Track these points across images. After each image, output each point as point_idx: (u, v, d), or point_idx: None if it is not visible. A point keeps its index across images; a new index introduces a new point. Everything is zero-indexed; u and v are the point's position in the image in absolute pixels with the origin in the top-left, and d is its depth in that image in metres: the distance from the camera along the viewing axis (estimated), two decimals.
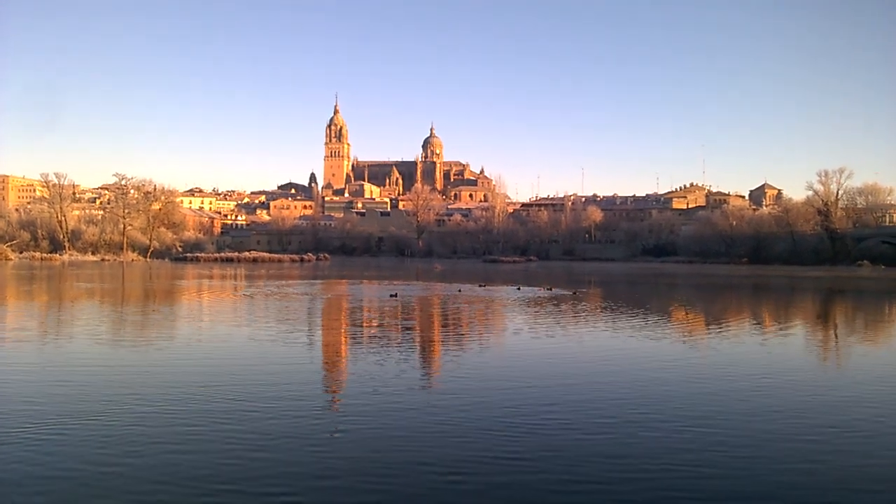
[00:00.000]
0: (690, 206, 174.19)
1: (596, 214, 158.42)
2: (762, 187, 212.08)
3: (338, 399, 12.94)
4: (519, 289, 44.87)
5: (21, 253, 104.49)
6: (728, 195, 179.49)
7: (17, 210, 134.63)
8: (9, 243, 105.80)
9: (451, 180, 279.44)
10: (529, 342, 20.79)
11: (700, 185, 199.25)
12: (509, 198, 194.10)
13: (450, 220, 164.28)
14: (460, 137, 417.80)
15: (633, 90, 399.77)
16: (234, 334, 21.80)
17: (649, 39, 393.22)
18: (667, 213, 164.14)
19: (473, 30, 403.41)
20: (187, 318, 27.47)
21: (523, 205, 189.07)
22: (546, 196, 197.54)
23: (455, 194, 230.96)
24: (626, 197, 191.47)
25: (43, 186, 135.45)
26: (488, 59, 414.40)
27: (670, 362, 17.26)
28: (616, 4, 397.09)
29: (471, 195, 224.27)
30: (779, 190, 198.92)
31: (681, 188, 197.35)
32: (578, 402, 12.45)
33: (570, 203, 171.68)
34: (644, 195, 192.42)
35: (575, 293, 42.07)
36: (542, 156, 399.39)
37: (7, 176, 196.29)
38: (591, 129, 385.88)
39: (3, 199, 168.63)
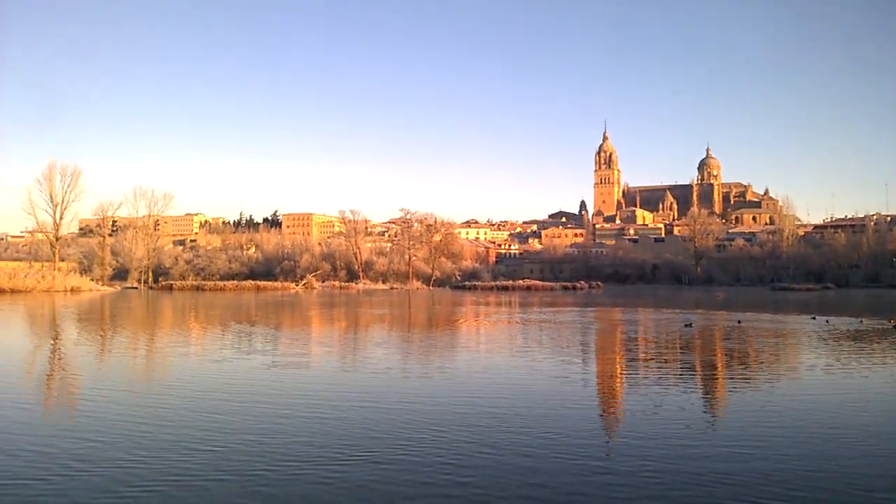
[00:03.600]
0: None
1: None
2: None
3: (614, 434, 12.40)
4: (827, 321, 38.01)
5: (323, 282, 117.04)
6: None
7: (319, 244, 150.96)
8: (314, 273, 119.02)
9: (731, 203, 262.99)
10: (837, 380, 18.41)
11: None
12: (799, 220, 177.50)
13: (731, 244, 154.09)
14: (739, 157, 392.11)
15: None
16: (510, 364, 22.09)
17: None
18: None
19: (742, 41, 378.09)
20: (466, 346, 28.48)
21: (816, 227, 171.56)
22: (843, 217, 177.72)
23: (736, 217, 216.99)
24: None
25: (341, 222, 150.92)
26: (764, 70, 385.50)
27: None
28: None
29: (754, 218, 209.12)
30: None
31: None
32: None
33: (872, 223, 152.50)
34: None
35: None
36: (836, 172, 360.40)
37: (311, 214, 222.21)
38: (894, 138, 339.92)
39: (308, 234, 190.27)
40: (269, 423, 12.42)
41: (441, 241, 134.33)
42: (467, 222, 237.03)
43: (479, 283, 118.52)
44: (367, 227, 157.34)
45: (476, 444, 11.00)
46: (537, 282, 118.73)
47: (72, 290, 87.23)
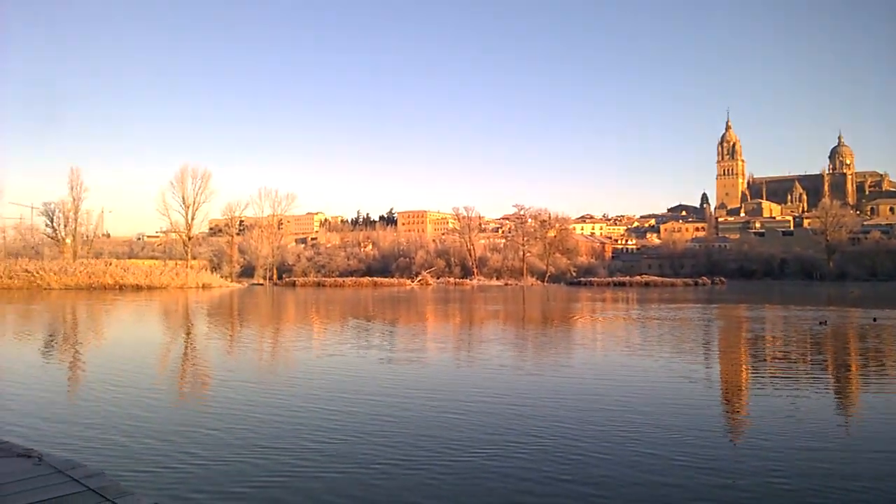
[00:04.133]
0: None
1: None
2: None
3: (740, 436, 11.73)
4: None
5: (438, 278, 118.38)
6: None
7: (434, 241, 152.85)
8: (428, 270, 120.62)
9: (866, 193, 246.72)
10: None
11: None
12: None
13: (866, 237, 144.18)
14: (874, 145, 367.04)
15: None
16: (628, 362, 21.41)
17: None
18: None
19: (875, 20, 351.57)
20: (582, 343, 27.93)
21: None
22: None
23: (871, 209, 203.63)
24: None
25: (454, 219, 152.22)
26: None
27: None
28: None
29: (892, 209, 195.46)
30: None
31: None
32: None
33: None
34: None
35: None
36: None
37: (425, 211, 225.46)
38: None
39: (423, 231, 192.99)
40: (388, 418, 12.54)
41: (555, 236, 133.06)
42: (582, 217, 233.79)
43: (595, 279, 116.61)
44: (480, 224, 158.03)
45: (596, 442, 10.69)
46: (656, 277, 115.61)
47: (203, 286, 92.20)
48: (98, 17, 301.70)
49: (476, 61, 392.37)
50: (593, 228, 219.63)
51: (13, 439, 7.56)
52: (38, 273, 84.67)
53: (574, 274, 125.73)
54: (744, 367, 20.42)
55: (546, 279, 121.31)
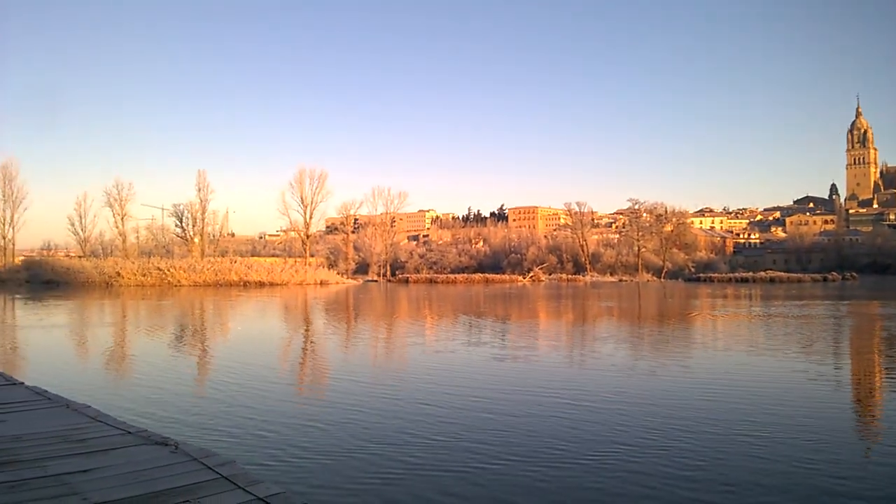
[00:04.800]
0: None
1: None
2: None
3: (873, 441, 10.95)
4: None
5: (550, 275, 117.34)
6: None
7: (545, 237, 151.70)
8: (540, 266, 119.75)
9: None
10: None
11: None
12: None
13: None
14: None
15: None
16: (751, 361, 20.42)
17: None
18: None
19: None
20: (702, 342, 26.92)
21: None
22: None
23: None
24: None
25: (566, 214, 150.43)
26: None
27: None
28: None
29: None
30: None
31: None
32: None
33: None
34: None
35: None
36: None
37: (536, 207, 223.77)
38: None
39: (534, 227, 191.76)
40: (499, 418, 12.53)
41: (672, 231, 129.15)
42: (701, 211, 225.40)
43: (715, 274, 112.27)
44: (593, 219, 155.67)
45: (720, 445, 10.24)
46: (781, 273, 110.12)
47: (321, 283, 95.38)
48: (212, 19, 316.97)
49: (588, 58, 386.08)
50: (713, 222, 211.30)
51: (151, 428, 8.02)
52: (169, 271, 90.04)
53: (692, 270, 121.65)
54: (877, 368, 19.07)
55: (663, 275, 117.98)
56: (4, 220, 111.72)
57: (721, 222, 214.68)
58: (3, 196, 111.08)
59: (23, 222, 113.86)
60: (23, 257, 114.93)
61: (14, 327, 32.36)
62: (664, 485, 8.46)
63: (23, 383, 11.01)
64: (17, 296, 61.81)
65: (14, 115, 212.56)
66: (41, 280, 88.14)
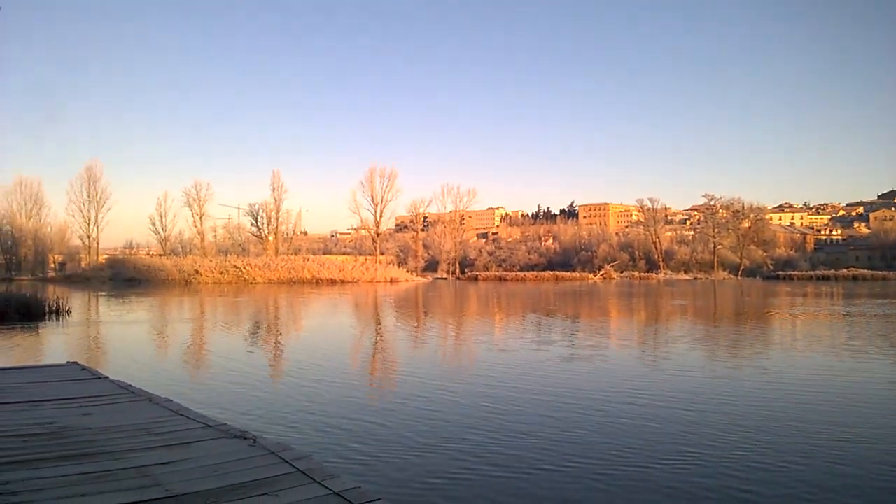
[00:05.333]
0: None
1: None
2: None
3: None
4: None
5: (622, 272, 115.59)
6: None
7: (616, 234, 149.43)
8: (611, 264, 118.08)
9: None
10: None
11: None
12: None
13: None
14: None
15: None
16: (832, 364, 19.56)
17: None
18: None
19: None
20: (780, 343, 26.01)
21: None
22: None
23: None
24: None
25: (638, 211, 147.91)
26: None
27: None
28: None
29: None
30: None
31: None
32: None
33: None
34: None
35: None
36: None
37: (607, 204, 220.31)
38: None
39: (605, 224, 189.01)
40: (569, 418, 12.40)
41: (749, 227, 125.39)
42: (780, 206, 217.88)
43: (795, 272, 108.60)
44: (666, 215, 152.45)
45: (803, 450, 9.85)
46: (865, 271, 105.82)
47: (391, 280, 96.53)
48: (288, 14, 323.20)
49: (661, 53, 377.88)
50: (792, 218, 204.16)
51: (229, 421, 8.23)
52: (244, 268, 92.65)
53: (771, 267, 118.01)
54: None
55: (740, 273, 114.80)
56: (89, 219, 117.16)
57: (801, 218, 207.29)
58: (88, 197, 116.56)
59: (106, 222, 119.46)
60: (106, 256, 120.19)
61: (98, 323, 33.73)
62: (767, 482, 8.20)
63: (107, 377, 11.47)
64: (101, 293, 64.61)
65: (97, 118, 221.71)
66: (124, 278, 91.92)
